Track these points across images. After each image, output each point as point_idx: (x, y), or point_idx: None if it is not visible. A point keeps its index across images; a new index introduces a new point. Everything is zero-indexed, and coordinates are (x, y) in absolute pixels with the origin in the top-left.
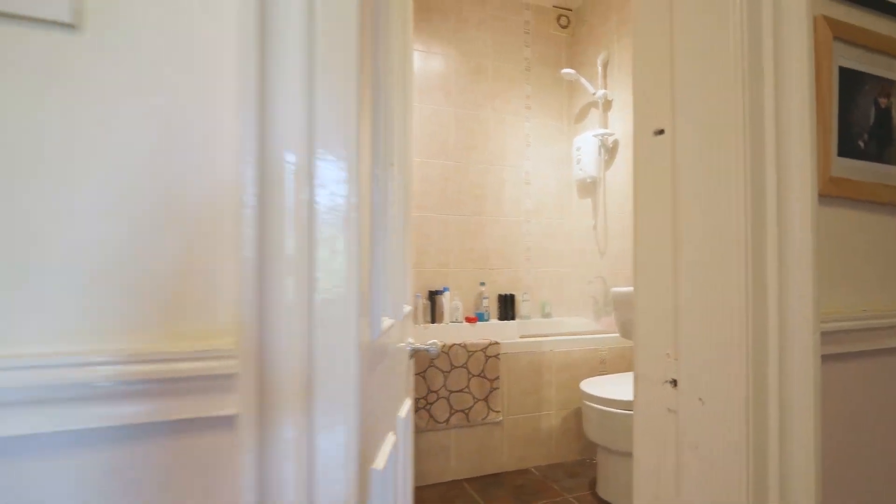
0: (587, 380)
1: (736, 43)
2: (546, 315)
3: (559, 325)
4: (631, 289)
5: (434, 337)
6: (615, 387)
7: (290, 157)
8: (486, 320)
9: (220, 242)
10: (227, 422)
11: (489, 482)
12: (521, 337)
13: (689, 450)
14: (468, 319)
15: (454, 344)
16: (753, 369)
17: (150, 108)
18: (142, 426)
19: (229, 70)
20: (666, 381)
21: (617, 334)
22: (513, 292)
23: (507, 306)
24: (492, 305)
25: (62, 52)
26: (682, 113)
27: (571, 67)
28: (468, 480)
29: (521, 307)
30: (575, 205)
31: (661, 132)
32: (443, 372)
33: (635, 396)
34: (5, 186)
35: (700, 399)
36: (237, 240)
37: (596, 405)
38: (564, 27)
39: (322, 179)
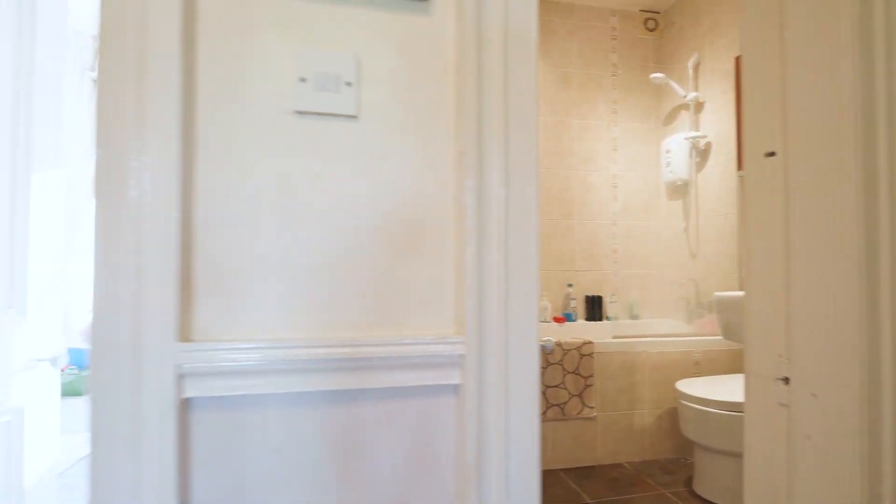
0: (683, 380)
1: (850, 70)
2: (634, 316)
3: (648, 327)
4: (734, 293)
5: None
6: (713, 387)
7: (496, 193)
8: (574, 321)
9: (446, 261)
10: (453, 389)
11: (584, 473)
12: (613, 337)
13: (803, 439)
14: (556, 319)
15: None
16: (868, 368)
17: (399, 165)
18: (404, 388)
19: (448, 135)
20: (777, 379)
21: (711, 337)
22: (599, 294)
23: (594, 307)
24: (579, 306)
25: (347, 132)
26: (795, 136)
27: (659, 70)
28: (564, 470)
29: (609, 308)
30: (664, 207)
31: (772, 154)
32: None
33: (746, 392)
34: (319, 213)
35: (813, 394)
36: (458, 259)
37: (694, 405)
38: (652, 30)
39: (514, 211)
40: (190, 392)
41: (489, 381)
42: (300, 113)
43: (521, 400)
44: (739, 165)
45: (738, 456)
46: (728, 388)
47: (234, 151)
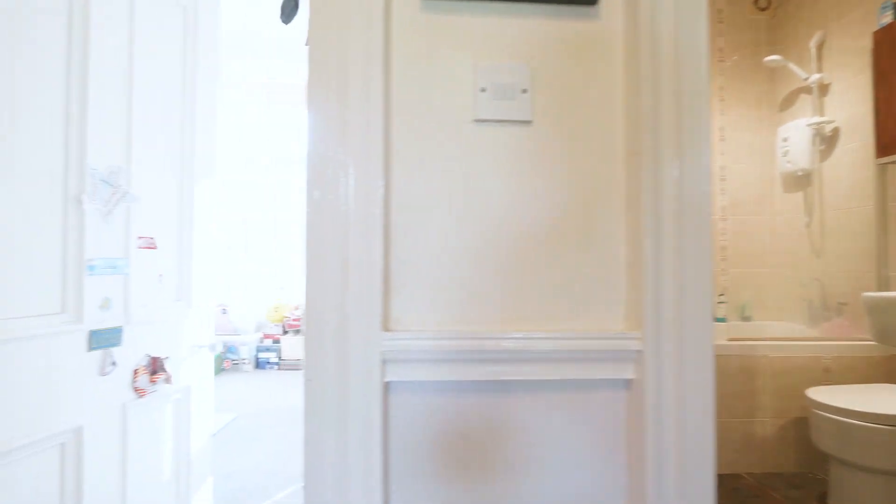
0: (815, 388)
1: None
2: (746, 318)
3: (764, 330)
4: (892, 294)
5: None
6: (854, 397)
7: (670, 191)
8: None
9: (617, 258)
10: (624, 383)
11: None
12: (728, 340)
13: None
14: None
15: None
16: None
17: (570, 165)
18: (576, 381)
19: (617, 135)
20: None
21: (843, 342)
22: None
23: None
24: None
25: (522, 137)
26: None
27: (773, 51)
28: None
29: (717, 309)
30: (779, 200)
31: None
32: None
33: None
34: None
35: None
36: (631, 256)
37: (831, 415)
38: (763, 9)
39: (687, 208)
40: (389, 377)
41: (666, 378)
42: (479, 121)
43: (696, 397)
44: (879, 152)
45: (886, 473)
46: (873, 398)
47: (422, 158)
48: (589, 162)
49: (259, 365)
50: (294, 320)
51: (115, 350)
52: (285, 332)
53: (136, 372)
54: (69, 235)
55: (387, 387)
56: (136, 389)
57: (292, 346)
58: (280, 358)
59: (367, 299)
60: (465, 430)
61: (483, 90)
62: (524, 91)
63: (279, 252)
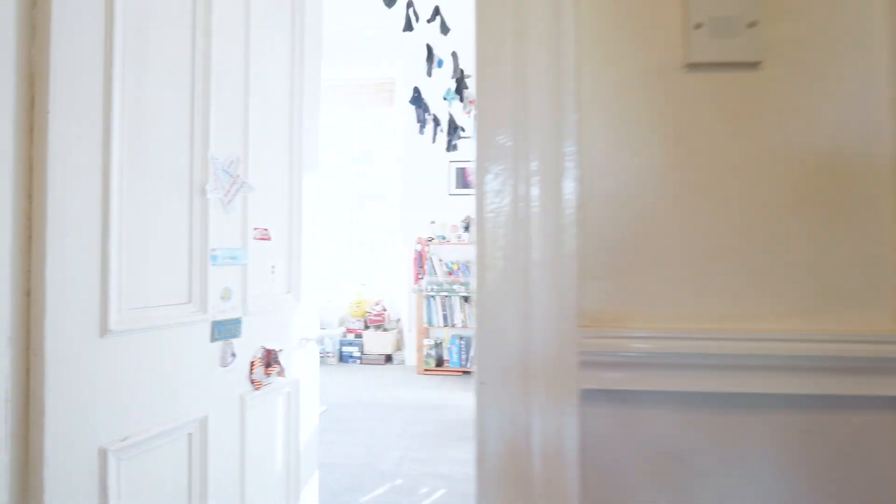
0: None
1: None
2: None
3: None
4: None
5: None
6: None
7: None
8: None
9: (882, 235)
10: (893, 402)
11: None
12: None
13: None
14: None
15: None
16: None
17: (813, 117)
18: (824, 396)
19: (879, 74)
20: None
21: None
22: None
23: None
24: None
25: (748, 83)
26: None
27: None
28: None
29: None
30: None
31: None
32: None
33: None
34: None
35: None
36: None
37: None
38: None
39: None
40: (587, 383)
41: None
42: (692, 65)
43: None
44: None
45: None
46: None
47: (619, 113)
48: (838, 111)
49: (342, 358)
50: (376, 315)
51: (234, 341)
52: (367, 328)
53: (252, 364)
54: (194, 225)
55: (581, 395)
56: (252, 381)
57: (374, 341)
58: (362, 352)
59: (558, 288)
60: (681, 452)
61: (698, 26)
62: (752, 24)
63: (361, 247)
